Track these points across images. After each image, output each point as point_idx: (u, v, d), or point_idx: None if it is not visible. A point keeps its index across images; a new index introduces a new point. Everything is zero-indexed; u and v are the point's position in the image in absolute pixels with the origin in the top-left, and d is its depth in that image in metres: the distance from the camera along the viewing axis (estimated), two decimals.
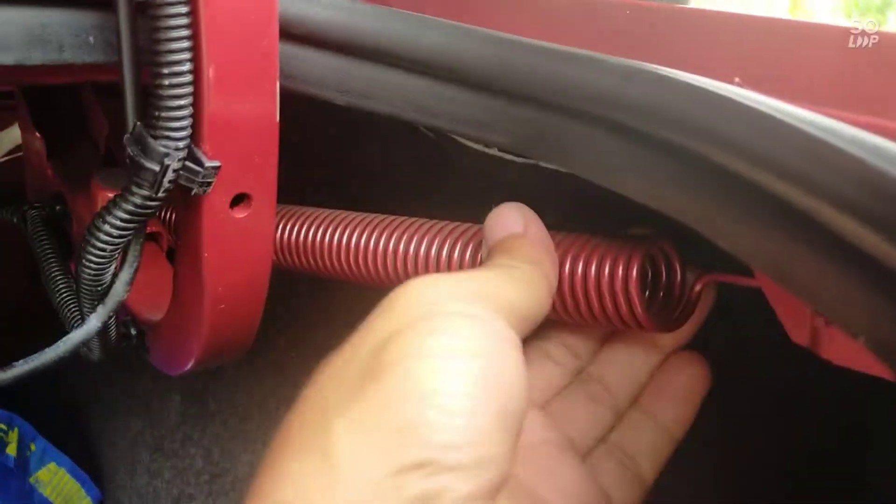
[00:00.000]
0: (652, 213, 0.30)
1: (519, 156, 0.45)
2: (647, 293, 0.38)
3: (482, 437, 0.27)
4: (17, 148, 0.67)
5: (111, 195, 0.40)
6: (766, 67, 0.36)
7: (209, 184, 0.37)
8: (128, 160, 0.36)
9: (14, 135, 0.70)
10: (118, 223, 0.38)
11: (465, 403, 0.27)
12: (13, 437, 0.93)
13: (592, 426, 0.42)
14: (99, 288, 0.43)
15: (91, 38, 0.36)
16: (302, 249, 0.49)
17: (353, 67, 0.40)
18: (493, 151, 0.47)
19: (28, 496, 0.91)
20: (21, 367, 0.43)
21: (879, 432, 0.46)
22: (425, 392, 0.27)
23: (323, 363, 0.30)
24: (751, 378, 0.50)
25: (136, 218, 0.38)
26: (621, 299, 0.36)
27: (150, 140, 0.35)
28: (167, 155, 0.35)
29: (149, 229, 0.46)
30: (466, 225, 0.43)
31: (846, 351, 0.28)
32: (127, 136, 0.36)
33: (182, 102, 0.35)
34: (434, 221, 0.44)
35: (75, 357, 0.45)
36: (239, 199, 0.40)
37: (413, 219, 0.45)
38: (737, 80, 0.35)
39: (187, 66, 0.34)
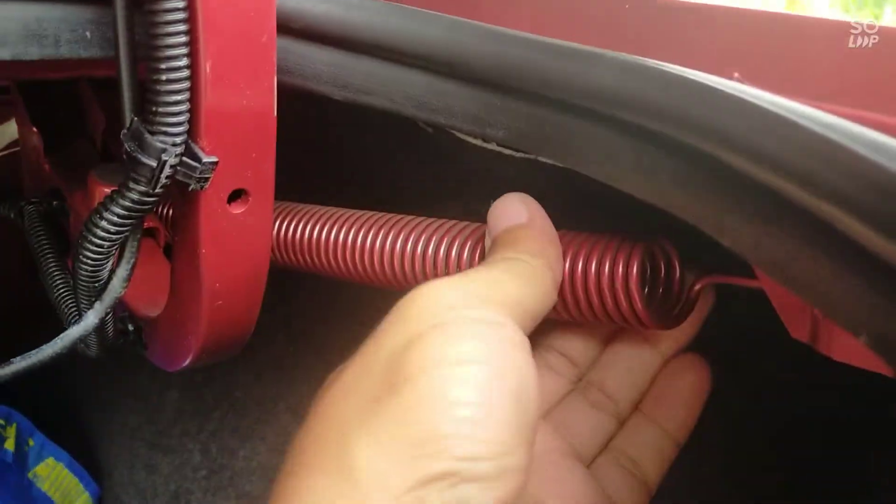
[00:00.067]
0: (651, 209, 0.30)
1: (517, 151, 0.45)
2: (646, 290, 0.38)
3: (503, 447, 0.27)
4: (14, 143, 0.66)
5: (108, 190, 0.40)
6: (765, 63, 0.36)
7: (206, 179, 0.37)
8: (125, 156, 0.36)
9: (11, 130, 0.70)
10: (115, 219, 0.38)
11: (484, 413, 0.27)
12: (11, 432, 0.93)
13: (595, 433, 0.42)
14: (96, 284, 0.43)
15: (88, 33, 0.36)
16: (299, 247, 0.49)
17: (352, 62, 0.40)
18: (492, 146, 0.47)
19: (26, 491, 0.91)
20: (19, 364, 0.42)
21: (881, 430, 0.46)
22: (445, 403, 0.27)
23: (331, 378, 0.30)
24: (749, 376, 0.50)
25: (133, 214, 0.38)
26: (621, 296, 0.36)
27: (147, 136, 0.35)
28: (164, 150, 0.35)
29: (146, 225, 0.46)
30: (465, 223, 0.42)
31: (846, 347, 0.28)
32: (124, 131, 0.36)
33: (179, 98, 0.35)
34: (433, 219, 0.44)
35: (73, 353, 0.45)
36: (236, 195, 0.40)
37: (412, 216, 0.45)
38: (736, 74, 0.35)
39: (184, 62, 0.34)
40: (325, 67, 0.40)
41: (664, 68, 0.29)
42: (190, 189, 0.37)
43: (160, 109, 0.35)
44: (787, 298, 0.30)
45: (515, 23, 0.35)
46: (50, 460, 0.94)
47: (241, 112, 0.37)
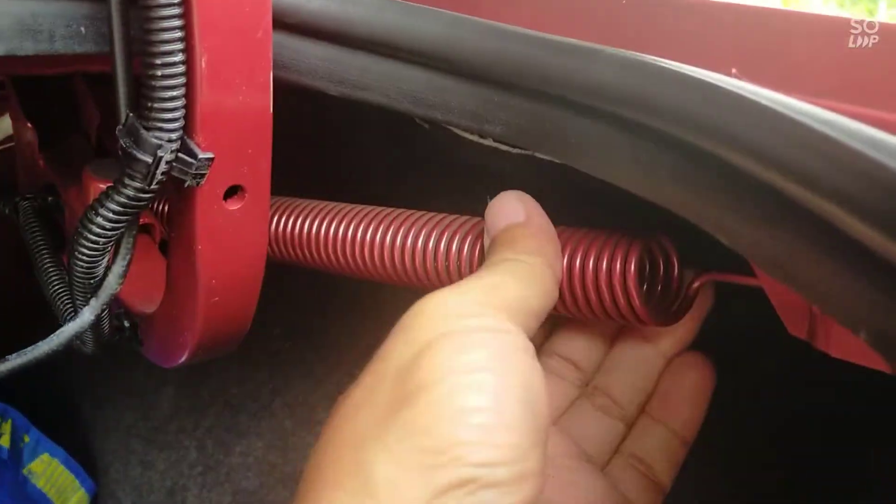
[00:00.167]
0: (650, 206, 0.30)
1: (515, 147, 0.45)
2: (644, 286, 0.37)
3: (518, 452, 0.27)
4: (9, 139, 0.66)
5: (104, 186, 0.39)
6: (763, 59, 0.35)
7: (202, 175, 0.37)
8: (120, 152, 0.36)
9: (5, 126, 0.69)
10: (111, 215, 0.38)
11: (497, 419, 0.27)
12: (6, 428, 0.92)
13: (605, 438, 0.42)
14: (92, 280, 0.43)
15: (83, 29, 0.36)
16: (296, 242, 0.49)
17: (348, 58, 0.39)
18: (489, 142, 0.47)
19: (21, 487, 0.91)
20: (15, 360, 0.42)
21: (880, 428, 0.46)
22: (457, 411, 0.27)
23: (340, 398, 0.30)
24: (749, 374, 0.50)
25: (128, 210, 0.38)
26: (619, 292, 0.36)
27: (143, 132, 0.35)
28: (160, 147, 0.35)
29: (141, 221, 0.45)
30: (463, 217, 0.42)
31: (844, 344, 0.28)
32: (119, 127, 0.36)
33: (175, 93, 0.34)
34: (430, 213, 0.44)
35: (69, 350, 0.45)
36: (233, 191, 0.39)
37: (408, 210, 0.45)
38: (734, 71, 0.35)
39: (180, 57, 0.34)
40: (320, 63, 0.40)
41: (664, 65, 0.29)
42: (186, 185, 0.37)
43: (155, 105, 0.34)
44: (785, 296, 0.30)
45: (514, 19, 0.35)
46: (45, 456, 0.94)
47: (237, 108, 0.37)
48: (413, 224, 0.43)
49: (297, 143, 0.57)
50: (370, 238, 0.44)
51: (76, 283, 0.43)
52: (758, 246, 0.26)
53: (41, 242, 0.56)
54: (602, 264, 0.36)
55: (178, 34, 0.33)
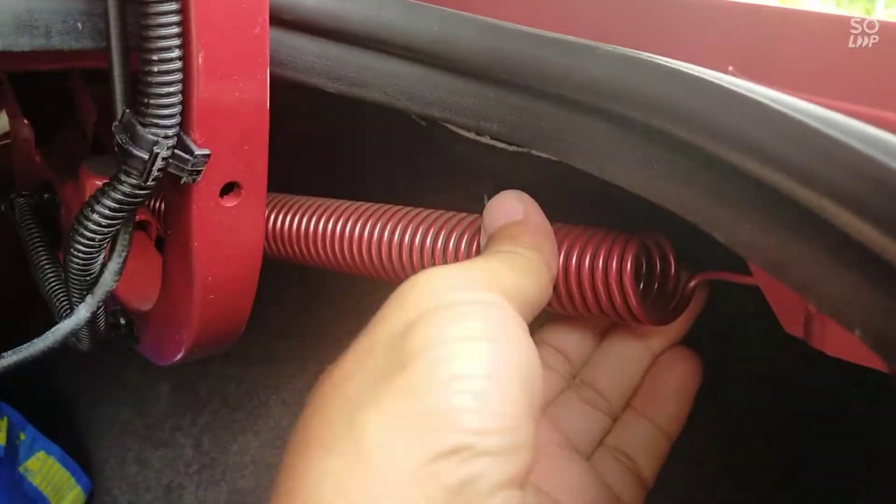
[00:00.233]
0: (646, 204, 0.30)
1: (511, 144, 0.45)
2: (641, 285, 0.37)
3: (513, 422, 0.27)
4: (5, 135, 0.66)
5: (100, 183, 0.39)
6: (760, 57, 0.35)
7: (199, 172, 0.37)
8: (116, 148, 0.36)
9: (2, 122, 0.69)
10: (107, 212, 0.38)
11: (491, 386, 0.27)
12: (2, 426, 0.92)
13: (590, 430, 0.42)
14: (88, 277, 0.42)
15: (79, 24, 0.36)
16: (292, 239, 0.49)
17: (345, 54, 0.39)
18: (485, 139, 0.47)
19: (17, 485, 0.91)
20: (10, 358, 0.42)
21: (877, 427, 0.46)
22: (453, 377, 0.27)
23: (330, 368, 0.30)
24: (746, 373, 0.50)
25: (125, 206, 0.38)
26: (616, 291, 0.36)
27: (139, 128, 0.35)
28: (156, 143, 0.35)
29: (137, 218, 0.45)
30: (460, 214, 0.42)
31: (839, 343, 0.28)
32: (115, 123, 0.36)
33: (171, 89, 0.34)
34: (427, 210, 0.44)
35: (64, 347, 0.45)
36: (229, 188, 0.39)
37: (405, 208, 0.44)
38: (730, 68, 0.35)
39: (176, 53, 0.34)
40: (317, 59, 0.40)
41: (660, 62, 0.28)
42: (182, 182, 0.37)
43: (152, 101, 0.34)
44: (781, 294, 0.30)
45: (508, 15, 0.35)
46: (41, 454, 0.94)
47: (233, 104, 0.37)
48: (410, 221, 0.43)
49: (294, 140, 0.57)
50: (367, 235, 0.44)
51: (72, 280, 0.43)
52: (754, 243, 0.26)
53: (37, 239, 0.56)
54: (599, 262, 0.36)
55: (175, 30, 0.33)
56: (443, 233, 0.41)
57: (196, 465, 0.93)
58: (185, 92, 0.35)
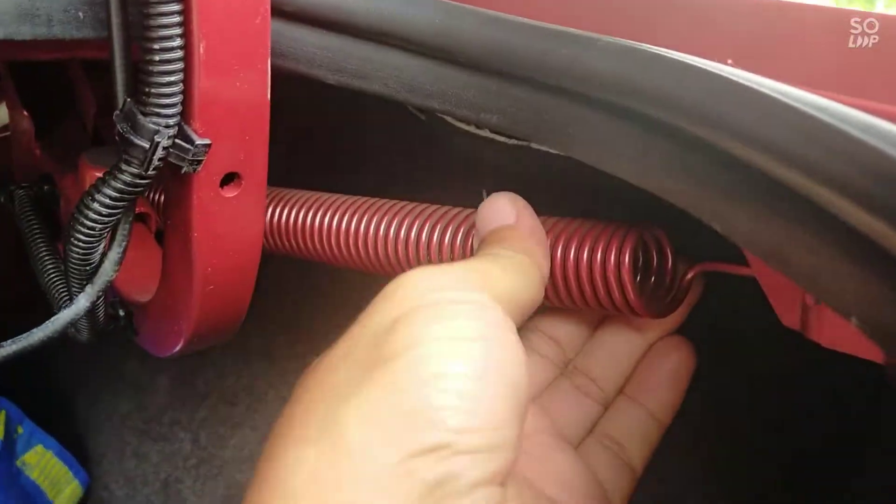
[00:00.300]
0: (643, 197, 0.30)
1: (510, 137, 0.45)
2: (639, 278, 0.38)
3: (496, 421, 0.27)
4: (5, 127, 0.66)
5: (99, 174, 0.39)
6: (759, 50, 0.36)
7: (199, 162, 0.37)
8: (117, 137, 0.36)
9: (1, 114, 0.69)
10: (107, 201, 0.38)
11: (475, 386, 0.27)
12: (0, 419, 0.92)
13: (581, 417, 0.42)
14: (87, 267, 0.43)
15: (81, 14, 0.36)
16: (291, 232, 0.49)
17: (346, 46, 0.39)
18: (484, 133, 0.47)
19: (15, 479, 0.91)
20: (9, 347, 0.42)
21: (878, 426, 0.47)
22: (435, 375, 0.27)
23: (316, 361, 0.30)
24: (743, 366, 0.50)
25: (125, 196, 0.38)
26: (614, 284, 0.36)
27: (140, 117, 0.35)
28: (157, 132, 0.35)
29: (137, 210, 0.45)
30: (458, 208, 0.42)
31: (835, 335, 0.28)
32: (116, 112, 0.36)
33: (172, 79, 0.34)
34: (425, 205, 0.44)
35: (63, 339, 0.45)
36: (229, 179, 0.39)
37: (404, 202, 0.45)
38: (729, 61, 0.35)
39: (178, 42, 0.34)
40: (318, 51, 0.40)
41: (661, 53, 0.29)
42: (182, 172, 0.37)
43: (153, 91, 0.34)
44: (778, 286, 0.30)
45: (510, 8, 0.35)
46: (39, 448, 0.94)
47: (234, 94, 0.37)
48: (408, 215, 0.43)
49: (294, 131, 0.57)
50: (365, 229, 0.44)
51: (72, 270, 0.43)
52: (753, 234, 0.26)
53: (37, 231, 0.56)
54: (597, 256, 0.36)
55: (177, 19, 0.33)
56: (439, 227, 0.41)
57: (194, 459, 0.93)
58: (187, 82, 0.35)
